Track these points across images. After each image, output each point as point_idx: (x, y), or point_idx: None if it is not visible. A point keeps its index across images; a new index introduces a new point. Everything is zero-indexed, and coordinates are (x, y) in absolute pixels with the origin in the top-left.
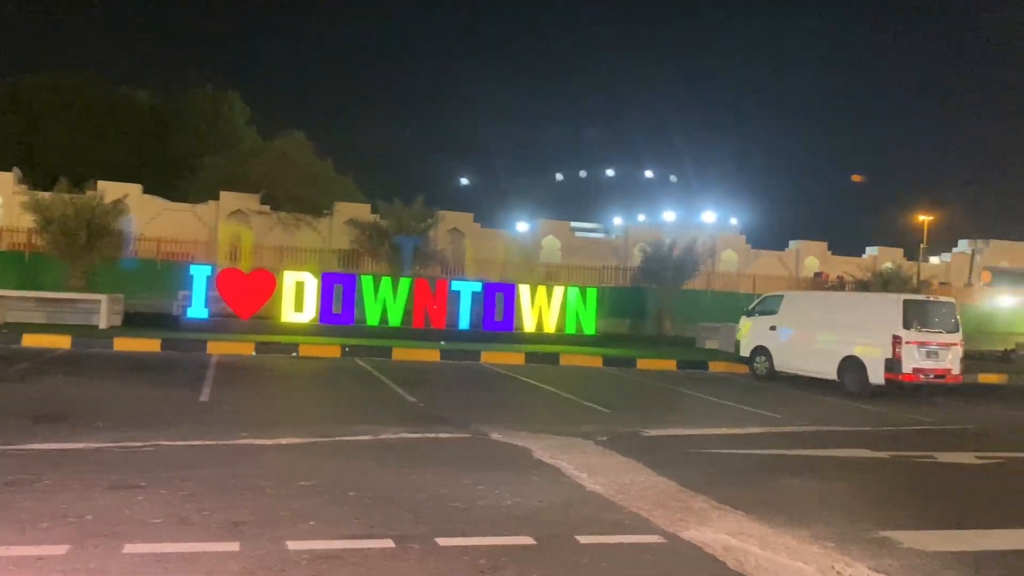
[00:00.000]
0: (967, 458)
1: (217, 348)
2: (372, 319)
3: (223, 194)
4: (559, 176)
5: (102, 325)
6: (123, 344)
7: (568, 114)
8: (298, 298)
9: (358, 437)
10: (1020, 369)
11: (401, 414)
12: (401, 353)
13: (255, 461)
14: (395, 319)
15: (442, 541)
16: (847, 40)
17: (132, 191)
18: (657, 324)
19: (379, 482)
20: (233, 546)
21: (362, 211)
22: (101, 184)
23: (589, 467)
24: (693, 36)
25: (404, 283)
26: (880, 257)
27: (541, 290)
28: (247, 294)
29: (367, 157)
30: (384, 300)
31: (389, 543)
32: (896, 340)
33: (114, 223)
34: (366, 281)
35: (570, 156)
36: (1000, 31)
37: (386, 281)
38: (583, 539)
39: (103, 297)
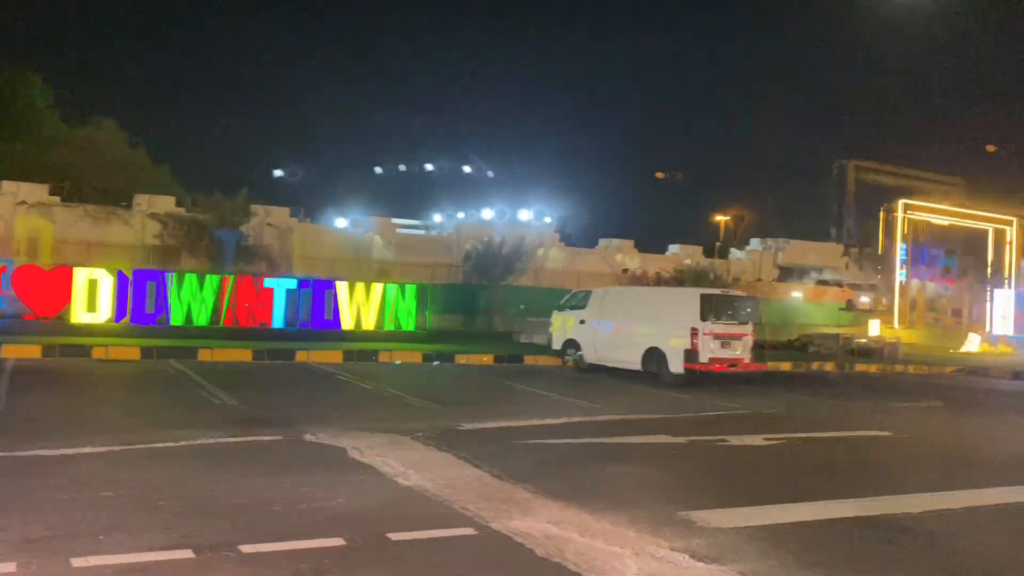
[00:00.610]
0: (757, 440)
1: (13, 352)
2: (178, 318)
3: (20, 184)
4: (378, 170)
5: None
6: None
7: (397, 110)
8: (91, 297)
9: (171, 443)
10: (808, 357)
11: (219, 417)
12: (218, 354)
13: (53, 472)
14: (205, 318)
15: (257, 547)
16: (660, 42)
17: None
18: (488, 320)
19: (193, 489)
20: (22, 566)
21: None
22: None
23: (411, 463)
24: (510, 34)
25: (213, 280)
26: (681, 254)
27: (359, 286)
28: (48, 293)
29: (187, 148)
30: (196, 298)
31: (201, 553)
32: (694, 332)
33: None
34: (175, 278)
35: (401, 152)
36: (808, 38)
37: (192, 278)
38: (400, 536)
39: None
